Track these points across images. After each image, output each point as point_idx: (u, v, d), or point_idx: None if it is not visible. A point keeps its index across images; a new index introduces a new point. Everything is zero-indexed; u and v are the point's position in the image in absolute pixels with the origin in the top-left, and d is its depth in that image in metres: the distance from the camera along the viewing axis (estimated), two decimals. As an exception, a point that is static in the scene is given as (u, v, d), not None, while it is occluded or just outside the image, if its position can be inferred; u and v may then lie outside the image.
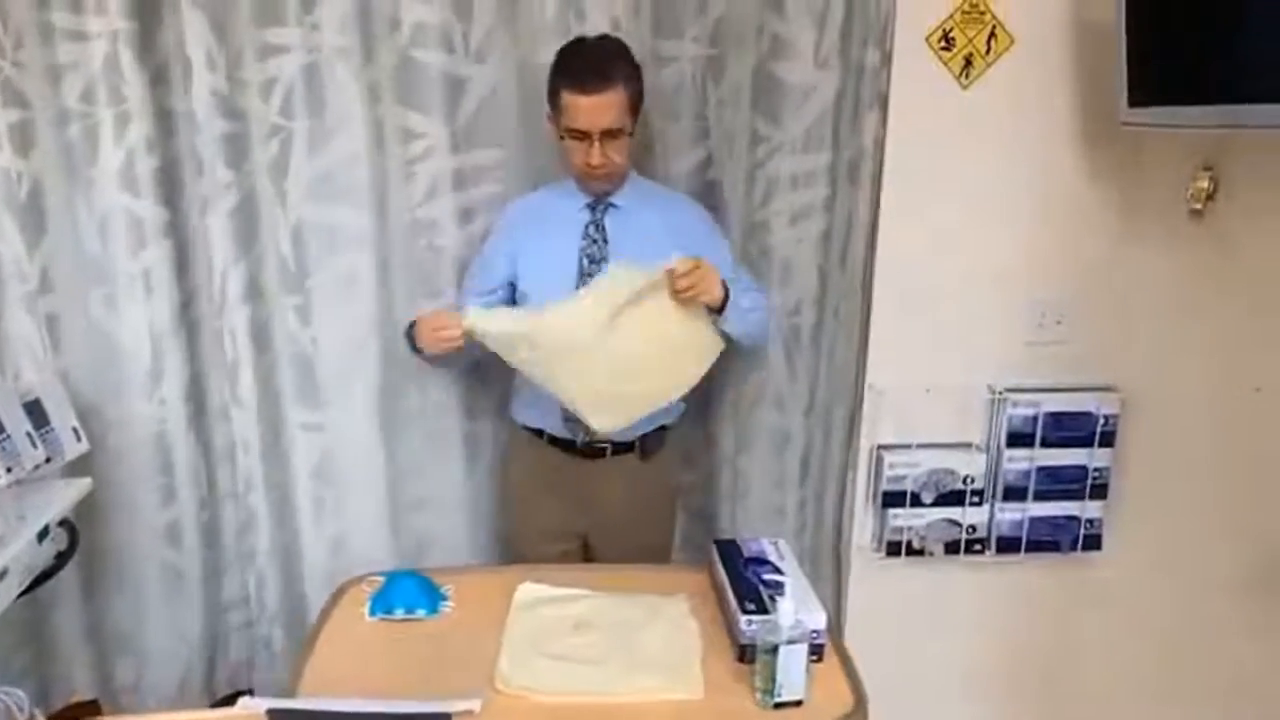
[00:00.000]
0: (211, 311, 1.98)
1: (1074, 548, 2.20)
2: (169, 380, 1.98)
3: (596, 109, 1.67)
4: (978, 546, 2.18)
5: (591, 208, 1.82)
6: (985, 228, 2.07)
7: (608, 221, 1.81)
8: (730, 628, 1.48)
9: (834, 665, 1.42)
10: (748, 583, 1.49)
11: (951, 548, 2.18)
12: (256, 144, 1.90)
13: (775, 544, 1.62)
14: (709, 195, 1.99)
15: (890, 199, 2.05)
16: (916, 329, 2.11)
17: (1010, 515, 2.17)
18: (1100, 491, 2.17)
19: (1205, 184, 2.03)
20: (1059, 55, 1.98)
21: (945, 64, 1.98)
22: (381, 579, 1.59)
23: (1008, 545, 2.19)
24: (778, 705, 1.32)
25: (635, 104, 1.73)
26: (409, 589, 1.52)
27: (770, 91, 1.96)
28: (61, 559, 1.72)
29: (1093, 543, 2.20)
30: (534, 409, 1.89)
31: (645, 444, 1.89)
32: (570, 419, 1.81)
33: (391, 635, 1.48)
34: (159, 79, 1.85)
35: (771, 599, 1.44)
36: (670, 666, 1.41)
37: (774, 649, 1.31)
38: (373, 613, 1.51)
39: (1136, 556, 2.21)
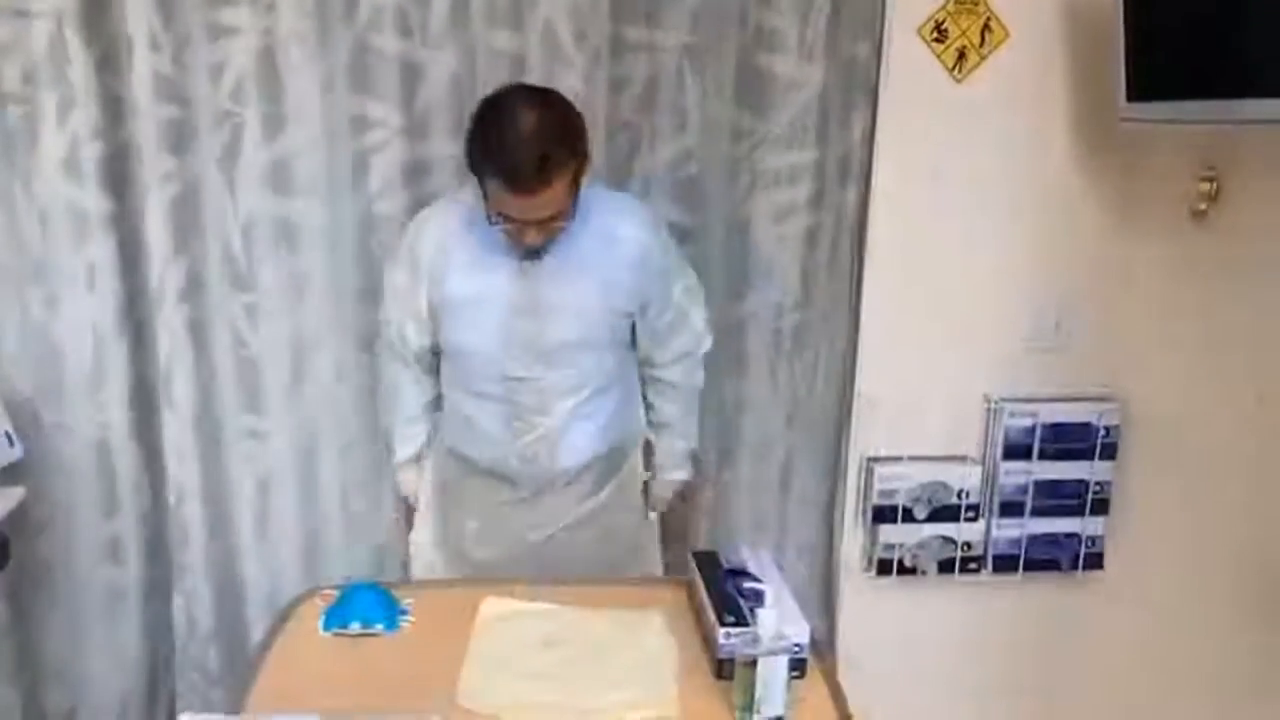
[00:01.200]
0: (151, 309, 1.95)
1: (1074, 566, 2.19)
2: (111, 383, 1.96)
3: (533, 207, 1.51)
4: (973, 565, 2.18)
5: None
6: (979, 228, 2.07)
7: (541, 270, 1.64)
8: (708, 641, 1.48)
9: (817, 682, 1.40)
10: (727, 595, 1.48)
11: (945, 566, 2.17)
12: (204, 131, 1.88)
13: (757, 554, 1.61)
14: (688, 191, 1.99)
15: (879, 197, 2.05)
16: (907, 334, 2.10)
17: (1007, 532, 2.17)
18: (1101, 507, 2.17)
19: (1208, 185, 2.06)
20: (1056, 48, 1.99)
21: (938, 57, 2.00)
22: (336, 592, 1.57)
23: (1005, 564, 2.18)
24: (758, 723, 1.31)
25: (579, 176, 1.55)
26: (366, 602, 1.50)
27: (754, 84, 1.96)
28: (-10, 572, 1.70)
29: (1094, 561, 2.20)
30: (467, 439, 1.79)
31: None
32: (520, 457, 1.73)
33: (347, 651, 1.46)
34: (106, 62, 1.84)
35: (752, 611, 1.43)
36: (644, 683, 1.38)
37: (753, 662, 1.30)
38: (327, 627, 1.49)
39: (1140, 576, 2.21)
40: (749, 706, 1.30)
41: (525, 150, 1.47)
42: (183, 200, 1.90)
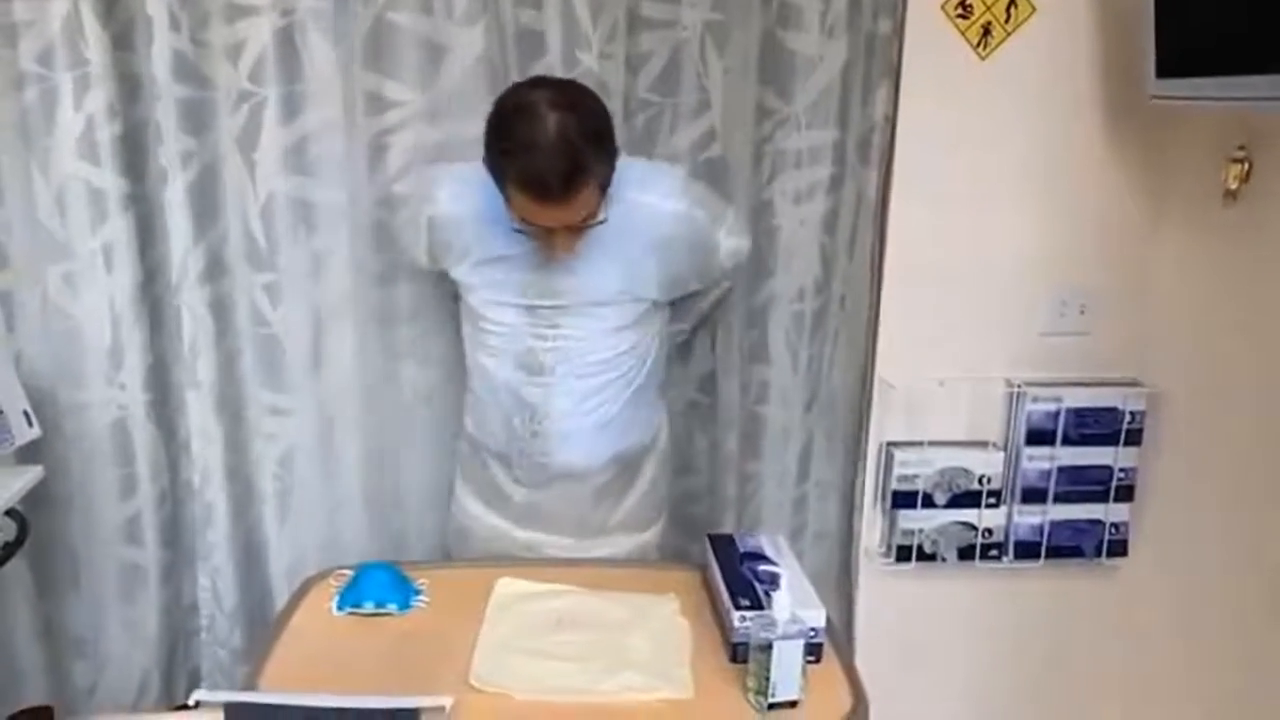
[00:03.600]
0: (172, 290, 1.97)
1: (1097, 554, 2.18)
2: (130, 363, 1.97)
3: (561, 214, 1.45)
4: (994, 552, 2.17)
5: None
6: (1003, 209, 2.06)
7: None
8: (723, 626, 1.48)
9: (833, 667, 1.41)
10: (742, 579, 1.48)
11: (965, 553, 2.16)
12: (222, 111, 1.89)
13: (774, 539, 1.61)
14: (710, 173, 1.98)
15: (901, 178, 2.04)
16: (928, 317, 2.10)
17: (1029, 519, 2.16)
18: (1126, 494, 2.16)
19: (1239, 165, 2.02)
20: (1084, 23, 1.98)
21: (962, 33, 1.98)
22: (350, 572, 1.58)
23: (1026, 551, 2.17)
24: (772, 706, 1.31)
25: (608, 178, 1.48)
26: (380, 582, 1.52)
27: (777, 62, 1.95)
28: (9, 550, 1.72)
29: (1118, 548, 2.19)
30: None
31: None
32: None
33: (360, 630, 1.48)
34: (122, 41, 1.84)
35: (767, 594, 1.43)
36: (657, 666, 1.40)
37: (768, 646, 1.30)
38: (340, 607, 1.51)
39: (1164, 564, 2.19)
40: (763, 690, 1.31)
41: (554, 159, 1.38)
42: (202, 181, 1.91)
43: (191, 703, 1.24)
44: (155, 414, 2.02)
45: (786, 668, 1.30)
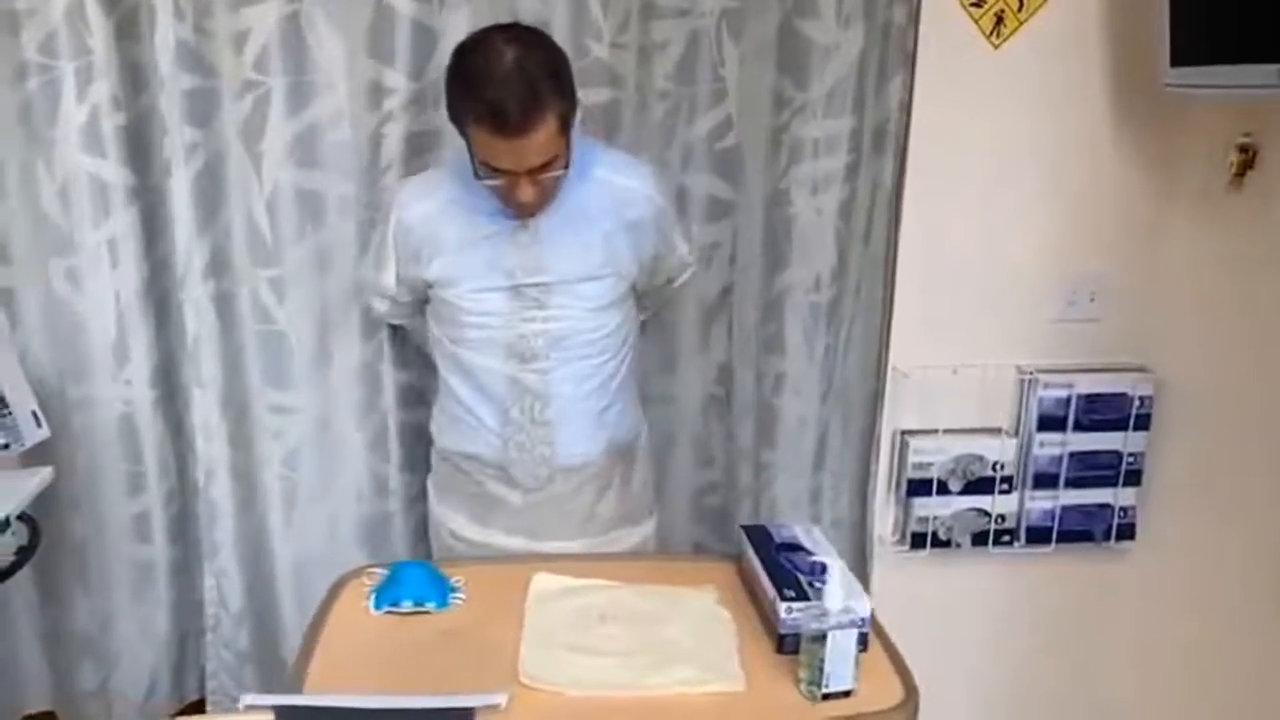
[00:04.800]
0: (176, 285, 1.92)
1: (1106, 538, 2.22)
2: (136, 359, 1.94)
3: (523, 151, 1.44)
4: (1006, 537, 2.20)
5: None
6: (1014, 198, 2.08)
7: (539, 233, 1.61)
8: (766, 617, 1.48)
9: (879, 655, 1.41)
10: (783, 569, 1.48)
11: (979, 539, 2.19)
12: (227, 102, 1.85)
13: (808, 529, 1.62)
14: (727, 162, 1.98)
15: (915, 167, 2.05)
16: (941, 306, 2.11)
17: (1041, 504, 2.19)
18: (1134, 478, 2.19)
19: (1245, 153, 2.06)
20: (1094, 12, 1.99)
21: (975, 21, 1.99)
22: (382, 571, 1.56)
23: (1038, 536, 2.20)
24: (826, 696, 1.31)
25: (568, 120, 1.49)
26: (417, 580, 1.50)
27: (795, 50, 1.95)
28: (23, 555, 1.68)
29: (1126, 532, 2.22)
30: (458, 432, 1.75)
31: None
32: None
33: (401, 629, 1.46)
34: (126, 30, 1.80)
35: (811, 585, 1.43)
36: (706, 659, 1.39)
37: (821, 636, 1.30)
38: (378, 606, 1.48)
39: (1171, 546, 2.24)
40: (817, 681, 1.30)
41: (510, 86, 1.41)
42: (207, 173, 1.88)
43: (241, 707, 1.22)
44: (163, 410, 1.99)
45: (840, 658, 1.30)
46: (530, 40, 1.48)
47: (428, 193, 1.66)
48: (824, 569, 1.48)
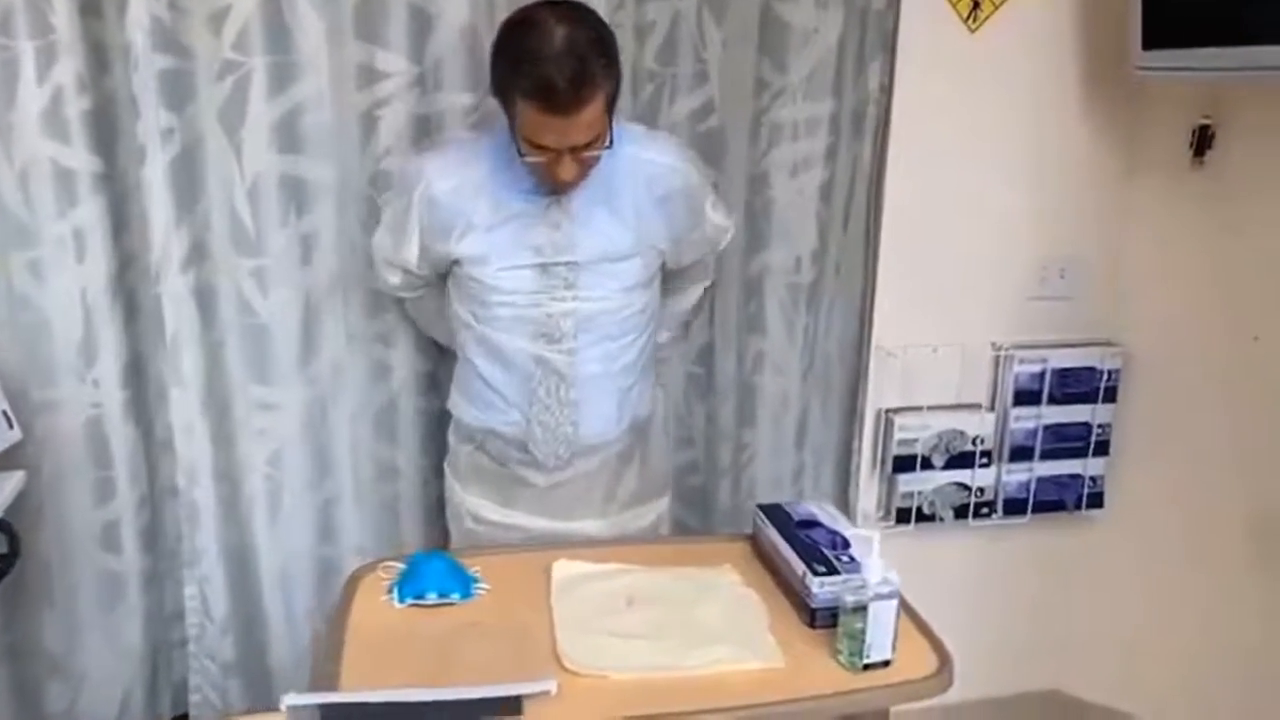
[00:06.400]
0: (152, 278, 1.84)
1: (1078, 506, 2.29)
2: (104, 358, 1.85)
3: (570, 129, 1.43)
4: (985, 510, 2.26)
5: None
6: (990, 179, 2.13)
7: (572, 202, 1.59)
8: (790, 593, 1.49)
9: (909, 627, 1.44)
10: (807, 545, 1.50)
11: (960, 512, 2.24)
12: (204, 84, 1.77)
13: (823, 506, 1.63)
14: (708, 144, 1.98)
15: (895, 149, 2.08)
16: (923, 285, 2.15)
17: (1017, 476, 2.25)
18: (1102, 448, 2.27)
19: (1202, 134, 2.14)
20: (1068, -3, 2.06)
21: (952, 6, 2.03)
22: (400, 564, 1.52)
23: (1014, 507, 2.27)
24: (866, 666, 1.33)
25: (614, 98, 1.49)
26: (440, 571, 1.46)
27: (776, 33, 1.96)
28: (5, 564, 1.58)
29: (1095, 500, 2.30)
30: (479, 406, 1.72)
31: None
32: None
33: (427, 621, 1.42)
34: (92, 6, 1.72)
35: (838, 559, 1.45)
36: (740, 637, 1.40)
37: (861, 608, 1.31)
38: (401, 599, 1.44)
39: (1137, 513, 2.32)
40: (859, 651, 1.31)
41: (561, 63, 1.39)
42: (183, 159, 1.79)
43: (282, 708, 1.17)
44: (134, 412, 1.89)
45: (881, 628, 1.32)
46: (579, 17, 1.46)
47: (457, 167, 1.61)
48: (846, 542, 1.50)
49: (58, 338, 1.82)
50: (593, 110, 1.43)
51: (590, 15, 1.49)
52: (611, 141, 1.51)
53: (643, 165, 1.61)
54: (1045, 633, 2.39)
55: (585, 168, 1.52)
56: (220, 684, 2.01)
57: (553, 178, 1.51)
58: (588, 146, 1.47)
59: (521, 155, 1.50)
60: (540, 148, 1.47)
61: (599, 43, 1.44)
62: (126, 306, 1.86)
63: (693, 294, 1.91)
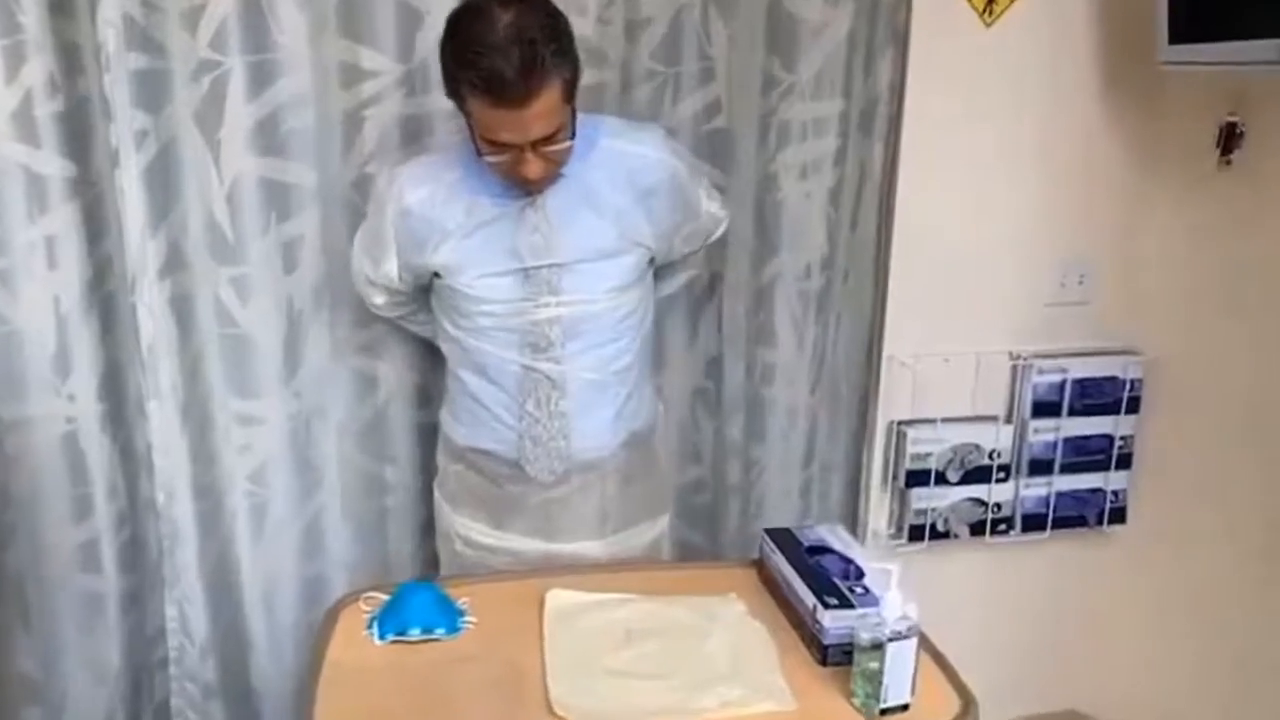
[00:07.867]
0: (127, 288, 1.75)
1: (1099, 522, 2.19)
2: (79, 371, 1.75)
3: (526, 122, 1.34)
4: (1002, 526, 2.15)
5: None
6: (1005, 182, 2.04)
7: (547, 210, 1.50)
8: (800, 625, 1.39)
9: (928, 663, 1.33)
10: (819, 575, 1.39)
11: (976, 529, 2.14)
12: (180, 84, 1.68)
13: (834, 530, 1.53)
14: (715, 145, 1.88)
15: (906, 149, 1.98)
16: (934, 292, 2.06)
17: (1036, 491, 2.16)
18: (1125, 461, 2.17)
19: (1232, 132, 2.03)
20: (1087, -11, 1.96)
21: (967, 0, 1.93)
22: (381, 595, 1.42)
23: (1033, 523, 2.17)
24: (884, 711, 1.23)
25: (572, 87, 1.38)
26: (423, 604, 1.36)
27: (785, 30, 1.86)
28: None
29: (1117, 516, 2.20)
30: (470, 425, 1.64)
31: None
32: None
33: (409, 660, 1.32)
34: (61, 5, 1.62)
35: (851, 590, 1.34)
36: (749, 676, 1.29)
37: (878, 646, 1.21)
38: (382, 635, 1.35)
39: (1162, 528, 2.22)
40: (875, 695, 1.21)
41: (508, 51, 1.29)
42: (160, 162, 1.70)
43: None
44: (111, 427, 1.80)
45: (900, 669, 1.22)
46: (527, 2, 1.34)
47: (428, 177, 1.53)
48: (860, 571, 1.40)
49: (29, 351, 1.72)
50: (547, 100, 1.33)
51: (537, 1, 1.38)
52: (574, 133, 1.41)
53: (623, 158, 1.51)
54: (1064, 653, 2.29)
55: (552, 164, 1.42)
56: (202, 706, 1.93)
57: (518, 177, 1.42)
58: (549, 140, 1.38)
59: (481, 155, 1.41)
60: (499, 145, 1.37)
61: (549, 28, 1.33)
62: (102, 316, 1.76)
63: (675, 282, 1.81)
